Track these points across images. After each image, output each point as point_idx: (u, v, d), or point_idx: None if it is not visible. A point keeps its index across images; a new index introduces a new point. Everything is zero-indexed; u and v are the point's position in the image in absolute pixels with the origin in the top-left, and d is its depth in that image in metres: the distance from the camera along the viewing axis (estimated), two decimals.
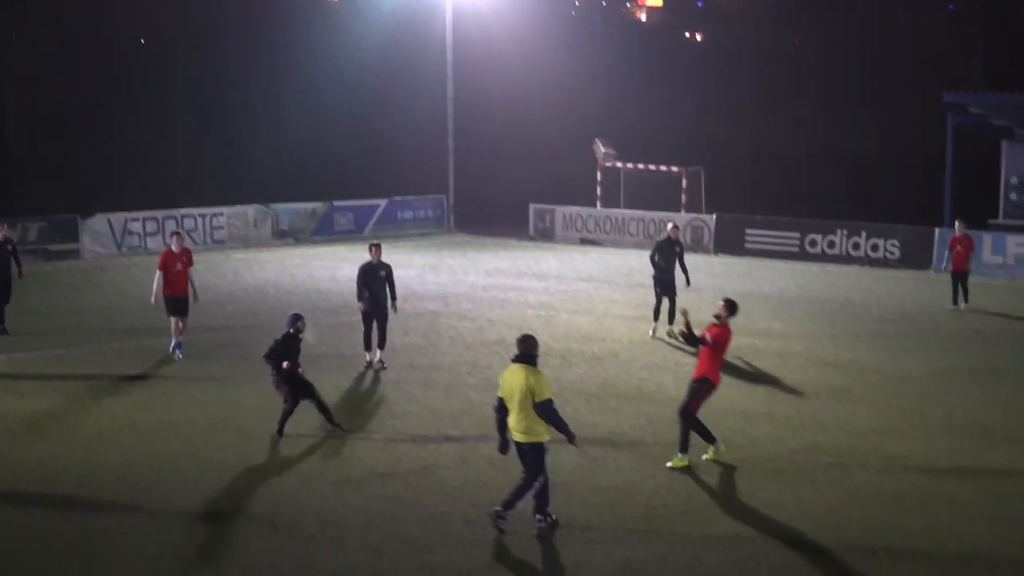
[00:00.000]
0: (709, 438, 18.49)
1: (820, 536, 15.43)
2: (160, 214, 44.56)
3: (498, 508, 15.32)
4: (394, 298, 25.07)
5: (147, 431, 20.24)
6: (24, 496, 17.04)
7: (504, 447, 15.46)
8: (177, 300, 25.72)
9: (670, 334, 27.96)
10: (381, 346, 24.94)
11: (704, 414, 18.43)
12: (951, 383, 24.18)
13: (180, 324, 25.81)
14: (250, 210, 46.89)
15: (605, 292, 35.51)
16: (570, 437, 15.38)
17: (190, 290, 25.94)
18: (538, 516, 15.40)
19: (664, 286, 28.82)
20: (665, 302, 28.70)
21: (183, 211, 45.14)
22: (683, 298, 30.49)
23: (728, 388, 23.43)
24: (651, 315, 28.88)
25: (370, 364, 24.92)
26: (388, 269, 25.04)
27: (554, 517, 15.51)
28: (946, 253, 34.09)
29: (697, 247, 44.77)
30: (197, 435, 20.00)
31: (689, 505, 16.75)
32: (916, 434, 20.26)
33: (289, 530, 15.58)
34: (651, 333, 28.52)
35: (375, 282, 24.75)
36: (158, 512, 16.24)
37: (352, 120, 52.60)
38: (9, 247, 29.26)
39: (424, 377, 24.13)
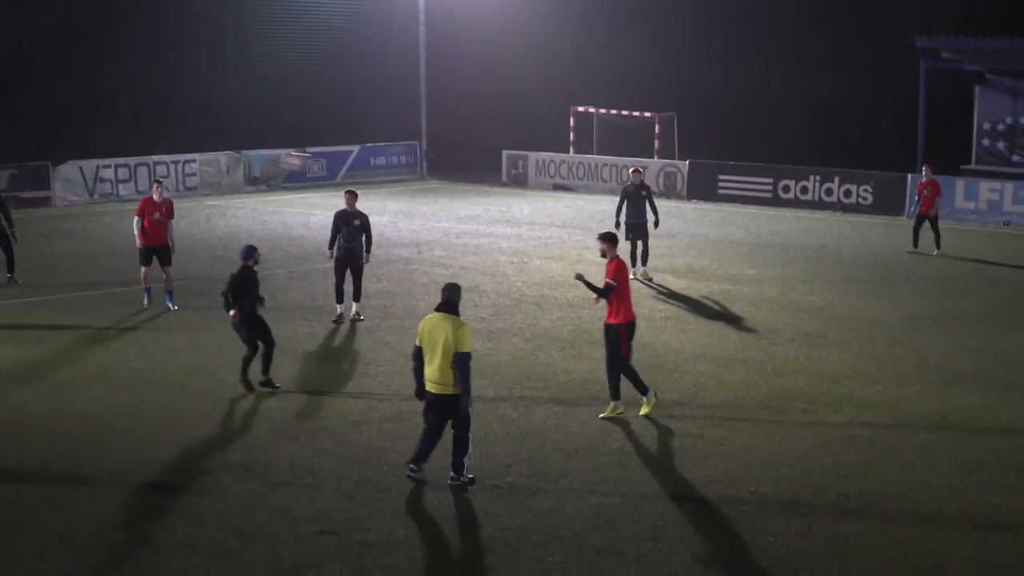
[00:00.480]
0: (616, 393, 18.19)
1: (793, 482, 15.50)
2: (132, 161, 44.32)
3: (452, 475, 15.19)
4: (368, 250, 24.49)
5: (120, 379, 20.20)
6: None
7: (422, 392, 15.33)
8: (153, 250, 25.36)
9: (640, 275, 28.41)
10: (356, 298, 24.47)
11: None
12: (923, 328, 24.28)
13: (165, 273, 25.51)
14: (222, 157, 46.69)
15: (578, 238, 35.48)
16: (467, 401, 15.03)
17: (169, 240, 25.65)
18: (411, 466, 15.27)
19: (636, 230, 29.13)
20: (639, 245, 29.05)
21: (155, 158, 44.93)
22: (656, 243, 30.70)
23: (700, 333, 23.56)
24: (627, 260, 28.94)
25: (340, 318, 24.38)
26: (364, 219, 24.34)
27: (421, 477, 15.26)
28: (915, 198, 34.31)
29: (670, 193, 44.80)
30: (170, 383, 19.96)
31: (663, 451, 16.79)
32: (888, 379, 20.35)
33: (263, 477, 15.59)
34: (632, 276, 28.61)
35: (349, 231, 24.10)
36: (132, 459, 16.20)
37: (324, 66, 52.32)
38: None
39: (398, 324, 24.08)
